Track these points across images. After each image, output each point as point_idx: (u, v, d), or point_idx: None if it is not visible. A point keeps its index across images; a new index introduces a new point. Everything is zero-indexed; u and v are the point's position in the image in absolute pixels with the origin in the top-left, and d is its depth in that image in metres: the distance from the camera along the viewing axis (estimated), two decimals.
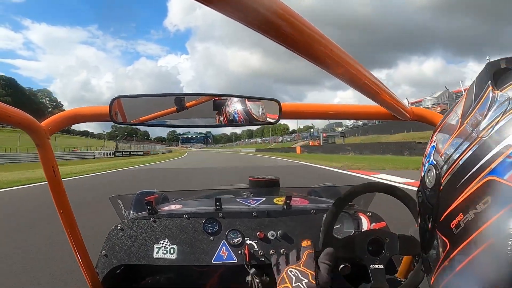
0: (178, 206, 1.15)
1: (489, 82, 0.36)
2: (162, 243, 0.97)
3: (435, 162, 0.39)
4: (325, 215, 0.85)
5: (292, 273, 0.70)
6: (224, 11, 0.25)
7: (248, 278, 0.91)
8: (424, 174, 0.41)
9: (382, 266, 0.73)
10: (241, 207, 1.06)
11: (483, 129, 0.33)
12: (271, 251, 0.96)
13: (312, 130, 68.62)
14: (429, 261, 0.41)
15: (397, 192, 0.75)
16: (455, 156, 0.36)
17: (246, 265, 0.93)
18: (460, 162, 0.35)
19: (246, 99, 0.73)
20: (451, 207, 0.35)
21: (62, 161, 24.66)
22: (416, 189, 0.44)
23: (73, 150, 41.60)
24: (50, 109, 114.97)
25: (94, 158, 36.14)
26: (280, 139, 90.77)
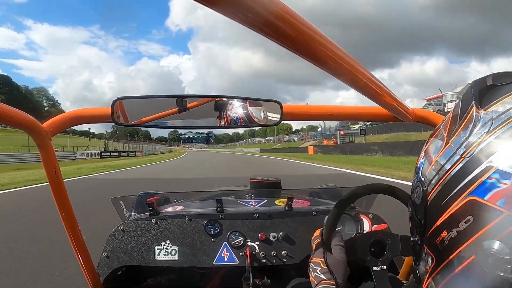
0: (179, 208, 1.15)
1: (473, 102, 0.36)
2: (164, 245, 0.97)
3: (422, 179, 0.40)
4: (326, 216, 0.85)
5: (310, 266, 0.72)
6: (225, 12, 0.25)
7: (246, 279, 0.91)
8: (413, 189, 0.42)
9: (384, 267, 0.73)
10: (242, 209, 1.06)
11: (467, 148, 0.34)
12: (272, 252, 0.96)
13: (321, 128, 55.91)
14: (418, 272, 0.43)
15: (398, 193, 0.74)
16: (440, 174, 0.36)
17: (247, 267, 0.93)
18: (445, 181, 0.36)
19: (248, 101, 0.73)
20: (436, 224, 0.36)
21: (26, 164, 21.60)
22: None
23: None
24: (47, 108, 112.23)
25: (74, 159, 32.01)
26: (286, 139, 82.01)
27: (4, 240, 3.49)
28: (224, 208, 1.02)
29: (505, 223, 0.30)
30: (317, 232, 0.78)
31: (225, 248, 0.97)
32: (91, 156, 37.49)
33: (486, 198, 0.31)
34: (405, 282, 0.85)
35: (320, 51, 0.34)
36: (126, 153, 46.14)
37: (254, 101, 0.73)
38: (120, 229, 0.98)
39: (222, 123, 0.72)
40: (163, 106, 0.72)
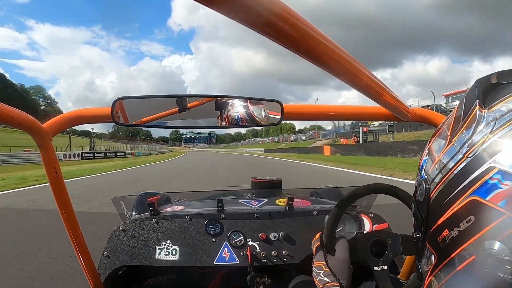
0: (180, 208, 1.15)
1: (477, 101, 0.36)
2: (164, 244, 0.97)
3: (425, 177, 0.40)
4: (327, 216, 0.85)
5: (314, 270, 0.72)
6: (225, 12, 0.25)
7: (250, 279, 0.91)
8: (416, 186, 0.42)
9: (385, 267, 0.73)
10: (243, 209, 1.06)
11: (470, 148, 0.34)
12: (273, 252, 0.96)
13: (333, 125, 48.11)
14: (421, 269, 0.43)
15: (398, 192, 0.74)
16: (443, 173, 0.36)
17: (249, 267, 0.93)
18: (447, 180, 0.36)
19: (249, 101, 0.73)
20: (438, 222, 0.36)
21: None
22: None
23: (25, 151, 29.83)
24: (43, 107, 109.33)
25: None
26: (292, 138, 72.71)
27: None
28: (224, 208, 1.02)
29: (505, 224, 0.30)
30: (317, 236, 0.78)
31: (226, 248, 0.97)
32: (71, 157, 31.30)
33: (487, 198, 0.31)
34: (405, 282, 0.85)
35: (320, 51, 0.34)
36: (114, 154, 40.36)
37: (255, 101, 0.73)
38: (120, 229, 0.98)
39: (223, 122, 0.72)
40: (163, 106, 0.72)
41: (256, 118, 0.72)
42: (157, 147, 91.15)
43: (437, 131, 0.43)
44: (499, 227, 0.30)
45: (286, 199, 1.04)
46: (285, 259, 0.96)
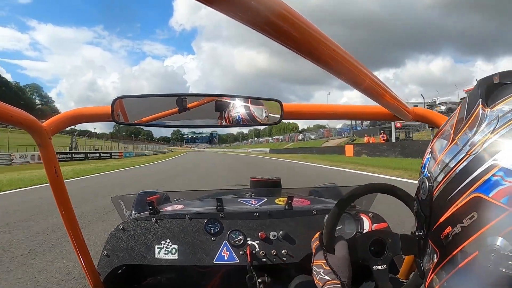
0: (179, 207, 1.15)
1: (480, 100, 0.37)
2: (164, 244, 0.97)
3: (428, 175, 0.40)
4: (326, 216, 0.85)
5: (313, 269, 0.72)
6: (226, 11, 0.25)
7: (249, 278, 0.91)
8: (419, 184, 0.42)
9: (385, 266, 0.73)
10: (242, 208, 1.06)
11: (472, 146, 0.34)
12: (272, 251, 0.96)
13: (351, 122, 38.73)
14: (423, 267, 0.43)
15: (398, 192, 0.74)
16: (446, 171, 0.37)
17: (248, 266, 0.93)
18: (450, 177, 0.36)
19: (249, 100, 0.73)
20: (441, 220, 0.37)
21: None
22: None
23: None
24: (40, 106, 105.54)
25: (10, 164, 21.85)
26: (300, 137, 61.88)
27: None
28: (224, 207, 1.02)
29: (508, 220, 0.30)
30: (316, 235, 0.78)
31: (225, 247, 0.97)
32: (40, 159, 18.65)
33: (490, 195, 0.31)
34: (405, 281, 0.85)
35: (321, 51, 0.34)
36: (98, 155, 34.78)
37: (256, 100, 0.73)
38: (120, 228, 0.98)
39: (224, 122, 0.72)
40: (163, 105, 0.72)
41: (257, 118, 0.72)
42: (156, 147, 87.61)
43: (440, 130, 0.43)
44: (501, 223, 0.30)
45: (286, 198, 1.04)
46: (285, 258, 0.96)
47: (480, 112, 0.36)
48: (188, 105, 0.70)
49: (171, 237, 0.97)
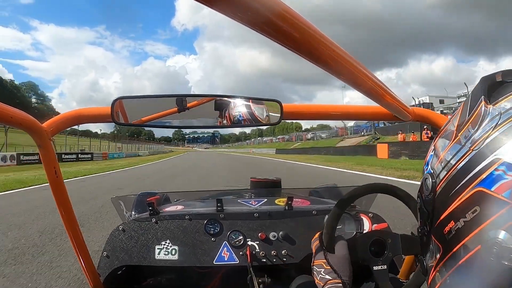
0: (179, 207, 1.15)
1: (482, 96, 0.37)
2: (164, 244, 0.97)
3: (432, 171, 0.41)
4: (326, 216, 0.85)
5: (314, 269, 0.72)
6: (225, 11, 0.25)
7: (249, 279, 0.91)
8: (422, 181, 0.43)
9: (385, 266, 0.73)
10: (242, 208, 1.06)
11: (475, 142, 0.35)
12: (272, 252, 0.96)
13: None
14: (425, 264, 0.44)
15: (398, 192, 0.75)
16: (449, 167, 0.37)
17: (248, 266, 0.93)
18: (453, 173, 0.37)
19: (250, 101, 0.73)
20: (444, 214, 0.37)
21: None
22: None
23: None
24: (36, 104, 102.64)
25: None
26: (309, 136, 54.31)
27: None
28: (224, 208, 1.02)
29: (510, 214, 0.30)
30: (316, 235, 0.78)
31: (225, 248, 0.97)
32: (1, 160, 20.32)
33: (493, 189, 0.32)
34: (405, 282, 0.85)
35: (321, 51, 0.34)
36: (75, 156, 28.89)
37: (256, 100, 0.73)
38: (120, 228, 0.98)
39: (224, 122, 0.72)
40: (163, 105, 0.72)
41: (258, 118, 0.73)
42: (156, 147, 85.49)
43: (442, 128, 0.44)
44: (504, 217, 0.31)
45: (286, 198, 1.04)
46: (285, 259, 0.96)
47: (483, 109, 0.36)
48: (188, 105, 0.71)
49: (171, 238, 0.97)
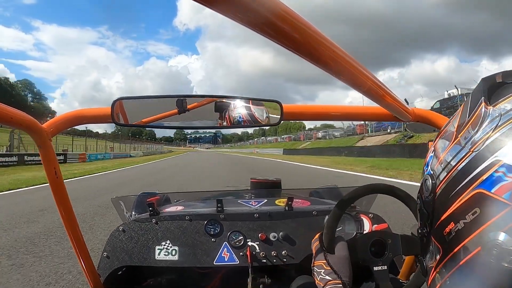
0: (179, 208, 1.15)
1: (482, 98, 0.37)
2: (164, 245, 0.97)
3: (431, 172, 0.41)
4: (327, 216, 0.85)
5: (314, 270, 0.72)
6: (225, 12, 0.25)
7: (250, 279, 0.91)
8: (422, 182, 0.43)
9: (385, 267, 0.73)
10: (242, 209, 1.06)
11: (475, 143, 0.35)
12: (272, 252, 0.96)
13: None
14: (425, 265, 0.44)
15: (398, 192, 0.74)
16: (449, 168, 0.37)
17: (250, 268, 0.93)
18: (453, 174, 0.36)
19: (250, 101, 0.73)
20: (444, 216, 0.37)
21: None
22: None
23: None
24: (32, 103, 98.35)
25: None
26: (319, 135, 45.63)
27: None
28: (224, 208, 1.02)
29: (510, 215, 0.30)
30: (316, 236, 0.78)
31: (226, 248, 0.97)
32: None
33: (493, 191, 0.32)
34: (405, 282, 0.85)
35: (321, 52, 0.34)
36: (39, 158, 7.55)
37: (256, 101, 0.73)
38: (120, 229, 0.98)
39: (224, 123, 0.72)
40: (163, 106, 0.72)
41: (258, 119, 0.73)
42: (154, 147, 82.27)
43: (443, 129, 0.44)
44: (504, 219, 0.31)
45: (286, 199, 1.04)
46: (285, 259, 0.96)
47: (483, 110, 0.36)
48: (188, 106, 0.71)
49: (171, 239, 0.97)
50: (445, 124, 0.44)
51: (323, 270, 0.69)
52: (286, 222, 1.00)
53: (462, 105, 0.42)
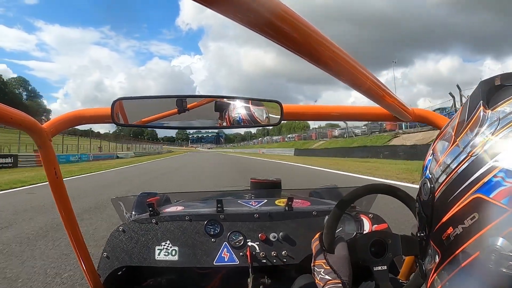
0: (179, 208, 1.15)
1: (481, 101, 0.37)
2: (164, 245, 0.97)
3: (430, 176, 0.41)
4: (327, 217, 0.85)
5: (314, 270, 0.72)
6: (226, 13, 0.25)
7: (250, 280, 0.91)
8: (421, 186, 0.43)
9: (385, 267, 0.73)
10: (242, 209, 1.06)
11: (473, 147, 0.35)
12: (272, 253, 0.96)
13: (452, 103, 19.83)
14: (424, 267, 0.43)
15: (398, 193, 0.74)
16: (447, 172, 0.37)
17: (250, 268, 0.93)
18: (451, 179, 0.36)
19: (250, 102, 0.73)
20: (442, 220, 0.37)
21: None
22: None
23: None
24: (26, 101, 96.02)
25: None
26: (336, 132, 38.88)
27: None
28: (224, 208, 1.02)
29: (509, 220, 0.30)
30: (316, 236, 0.78)
31: (225, 248, 0.97)
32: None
33: (491, 196, 0.32)
34: (405, 282, 0.85)
35: (321, 52, 0.34)
36: None
37: (256, 101, 0.73)
38: (120, 229, 0.98)
39: (224, 123, 0.72)
40: (163, 106, 0.72)
41: (258, 119, 0.73)
42: (154, 146, 79.92)
43: (441, 132, 0.44)
44: (502, 224, 0.31)
45: (286, 199, 1.04)
46: (285, 260, 0.96)
47: (481, 113, 0.36)
48: (188, 106, 0.71)
49: (171, 239, 0.97)
50: (444, 127, 0.43)
51: (323, 270, 0.69)
52: (286, 222, 1.00)
53: (461, 108, 0.41)
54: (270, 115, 0.74)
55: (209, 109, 0.72)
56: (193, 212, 1.05)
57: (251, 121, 0.72)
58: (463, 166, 0.35)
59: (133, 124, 0.72)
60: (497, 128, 0.34)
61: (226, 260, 0.96)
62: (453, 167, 0.36)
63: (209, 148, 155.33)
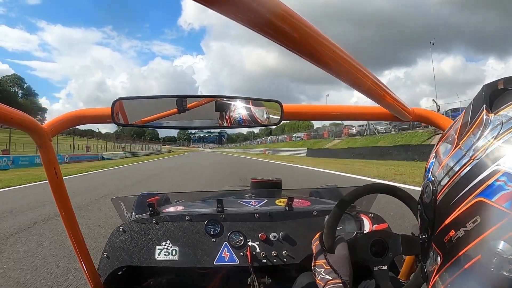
0: (180, 208, 1.15)
1: (484, 105, 0.37)
2: (164, 245, 0.97)
3: (432, 179, 0.41)
4: (327, 216, 0.85)
5: (314, 270, 0.73)
6: (226, 13, 0.25)
7: (250, 279, 0.91)
8: (423, 188, 0.43)
9: (385, 267, 0.73)
10: (243, 209, 1.06)
11: (476, 151, 0.35)
12: (273, 252, 0.96)
13: None
14: (425, 269, 0.44)
15: (398, 192, 0.74)
16: (450, 175, 0.37)
17: (251, 268, 0.93)
18: (454, 182, 0.36)
19: (250, 101, 0.73)
20: (444, 223, 0.37)
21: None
22: None
23: None
24: (21, 99, 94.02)
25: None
26: (354, 131, 33.40)
27: None
28: (224, 208, 1.02)
29: (510, 224, 0.30)
30: (317, 235, 0.78)
31: (226, 248, 0.97)
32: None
33: (493, 200, 0.32)
34: (405, 282, 0.85)
35: (321, 52, 0.34)
36: None
37: (256, 101, 0.73)
38: (120, 229, 0.99)
39: (224, 123, 0.72)
40: (163, 106, 0.72)
41: (258, 119, 0.73)
42: (155, 146, 77.35)
43: (444, 134, 0.44)
44: (504, 227, 0.31)
45: (286, 199, 1.04)
46: (285, 259, 0.96)
47: (484, 117, 0.36)
48: (188, 106, 0.71)
49: (171, 239, 0.97)
50: (447, 129, 0.44)
51: (323, 270, 0.69)
52: (286, 222, 1.00)
53: (464, 111, 0.41)
54: (270, 115, 0.74)
55: (209, 109, 0.72)
56: (193, 212, 1.05)
57: (252, 121, 0.72)
58: (466, 170, 0.35)
59: (133, 124, 0.72)
60: (500, 132, 0.34)
61: (226, 260, 0.96)
62: (455, 170, 0.36)
63: (211, 148, 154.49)
